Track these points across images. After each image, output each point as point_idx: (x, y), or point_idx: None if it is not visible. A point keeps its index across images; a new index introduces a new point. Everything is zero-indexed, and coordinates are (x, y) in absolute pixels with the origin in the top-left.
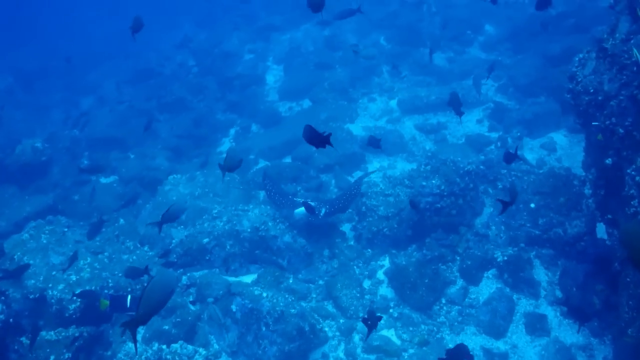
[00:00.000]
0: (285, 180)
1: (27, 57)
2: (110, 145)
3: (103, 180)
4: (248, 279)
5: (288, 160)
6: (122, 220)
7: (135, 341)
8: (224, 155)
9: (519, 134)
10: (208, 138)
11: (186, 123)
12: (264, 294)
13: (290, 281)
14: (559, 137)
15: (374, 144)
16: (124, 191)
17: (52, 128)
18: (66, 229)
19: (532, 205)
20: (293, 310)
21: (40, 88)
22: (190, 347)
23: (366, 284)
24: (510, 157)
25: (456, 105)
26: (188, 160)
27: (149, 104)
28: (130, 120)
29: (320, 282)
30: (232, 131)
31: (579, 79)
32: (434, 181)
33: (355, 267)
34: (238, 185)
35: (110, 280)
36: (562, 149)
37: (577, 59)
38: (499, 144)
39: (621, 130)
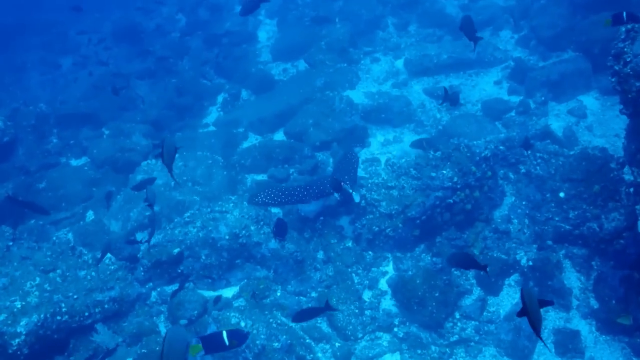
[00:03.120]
0: (275, 162)
1: (1, 10)
2: (83, 120)
3: (73, 162)
4: (229, 292)
5: (280, 134)
6: (90, 215)
7: None
8: (211, 128)
9: (542, 97)
10: (193, 107)
11: (168, 91)
12: (242, 323)
13: (278, 294)
14: (590, 101)
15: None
16: (95, 176)
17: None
18: (11, 243)
19: (562, 194)
20: (276, 344)
21: (17, 46)
22: None
23: (366, 295)
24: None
25: (469, 30)
26: (170, 134)
27: (129, 68)
28: (106, 89)
29: (313, 294)
30: (220, 98)
31: (628, 59)
32: (444, 171)
33: (353, 274)
34: (221, 170)
35: (63, 305)
36: (593, 115)
37: (623, 29)
38: (520, 109)
39: None
